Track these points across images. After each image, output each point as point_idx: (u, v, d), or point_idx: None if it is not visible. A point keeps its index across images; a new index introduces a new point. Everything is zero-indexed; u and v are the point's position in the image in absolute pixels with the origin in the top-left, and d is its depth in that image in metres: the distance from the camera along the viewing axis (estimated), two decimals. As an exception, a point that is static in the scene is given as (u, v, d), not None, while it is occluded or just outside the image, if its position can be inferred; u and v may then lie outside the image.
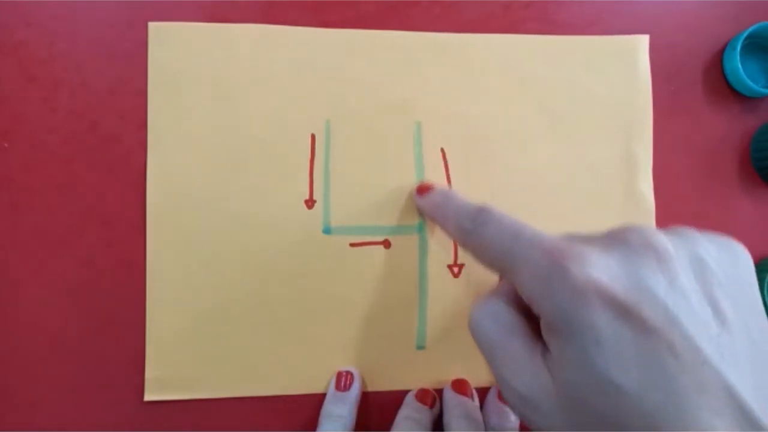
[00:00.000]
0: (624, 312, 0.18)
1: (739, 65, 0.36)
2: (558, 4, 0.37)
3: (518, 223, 0.24)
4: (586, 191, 0.37)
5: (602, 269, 0.19)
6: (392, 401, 0.34)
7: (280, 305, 0.34)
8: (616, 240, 0.20)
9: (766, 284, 0.36)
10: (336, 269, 0.35)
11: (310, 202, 0.35)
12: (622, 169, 0.37)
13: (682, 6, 0.38)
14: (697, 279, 0.20)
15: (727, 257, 0.21)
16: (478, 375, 0.35)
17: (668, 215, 0.37)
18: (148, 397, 0.33)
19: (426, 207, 0.33)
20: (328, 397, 0.33)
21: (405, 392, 0.34)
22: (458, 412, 0.32)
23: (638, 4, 0.38)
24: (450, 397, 0.33)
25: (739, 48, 0.36)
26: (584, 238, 0.22)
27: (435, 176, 0.36)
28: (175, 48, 0.35)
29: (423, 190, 0.33)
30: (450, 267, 0.35)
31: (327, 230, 0.35)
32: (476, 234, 0.25)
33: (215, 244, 0.34)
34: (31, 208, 0.34)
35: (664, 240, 0.20)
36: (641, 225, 0.21)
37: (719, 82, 0.38)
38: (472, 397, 0.34)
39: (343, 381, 0.33)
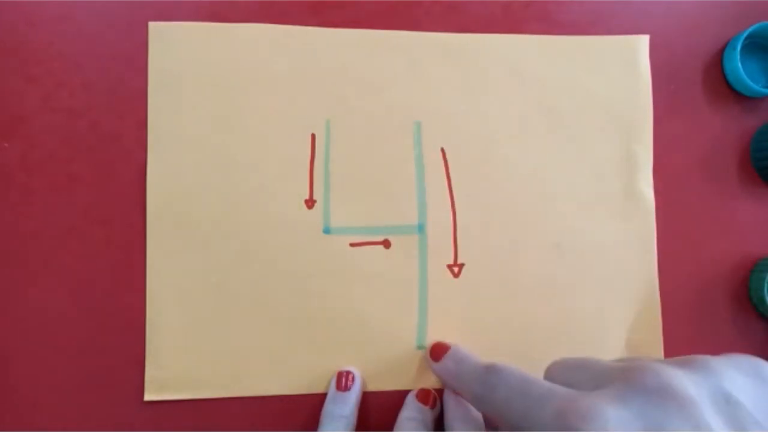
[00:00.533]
0: None
1: (739, 65, 0.36)
2: (558, 3, 0.37)
3: (526, 381, 0.23)
4: (586, 191, 0.37)
5: (617, 426, 0.18)
6: (392, 401, 0.34)
7: (280, 305, 0.34)
8: (631, 385, 0.19)
9: (766, 284, 0.36)
10: (336, 269, 0.35)
11: (310, 202, 0.35)
12: (622, 169, 0.37)
13: (682, 6, 0.38)
14: (725, 419, 0.18)
15: (753, 382, 0.20)
16: (478, 375, 0.35)
17: (668, 215, 0.37)
18: (148, 397, 0.33)
19: (441, 375, 0.32)
20: (329, 397, 0.33)
21: (405, 392, 0.34)
22: (459, 413, 0.32)
23: (638, 4, 0.38)
24: (451, 398, 0.33)
25: (739, 48, 0.36)
26: (595, 377, 0.21)
27: (435, 176, 0.36)
28: (175, 48, 0.35)
29: (437, 355, 0.33)
30: (450, 267, 0.35)
31: (327, 230, 0.35)
32: (488, 400, 0.25)
33: (215, 244, 0.34)
34: (31, 208, 0.34)
35: (684, 383, 0.19)
36: (657, 364, 0.20)
37: (719, 82, 0.38)
38: (472, 398, 0.33)
39: (344, 381, 0.33)
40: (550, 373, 0.25)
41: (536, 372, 0.27)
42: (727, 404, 0.18)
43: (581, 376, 0.22)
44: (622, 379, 0.20)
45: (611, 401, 0.19)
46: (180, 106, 0.34)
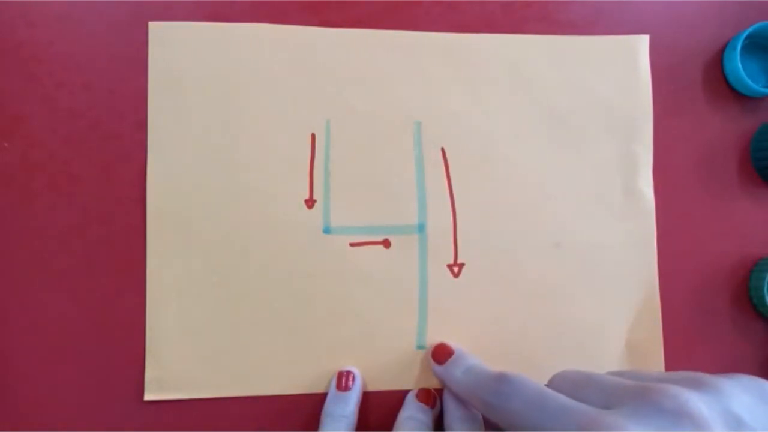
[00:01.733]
0: None
1: (739, 65, 0.36)
2: (558, 3, 0.37)
3: (542, 394, 0.24)
4: (586, 191, 0.37)
5: None
6: (392, 401, 0.34)
7: (280, 305, 0.34)
8: (650, 405, 0.20)
9: (766, 284, 0.36)
10: (336, 269, 0.35)
11: (310, 202, 0.35)
12: (622, 169, 0.37)
13: (682, 6, 0.38)
14: None
15: (758, 402, 0.21)
16: (478, 375, 0.35)
17: (668, 215, 0.37)
18: (148, 397, 0.33)
19: (446, 381, 0.32)
20: (329, 397, 0.33)
21: (405, 392, 0.34)
22: (459, 414, 0.32)
23: (638, 4, 0.38)
24: (450, 398, 0.33)
25: (739, 48, 0.36)
26: (606, 394, 0.22)
27: (435, 176, 0.36)
28: (175, 48, 0.35)
29: (440, 357, 0.33)
30: (450, 267, 0.35)
31: (327, 230, 0.35)
32: (501, 409, 0.25)
33: (215, 244, 0.34)
34: (31, 208, 0.34)
35: (698, 405, 0.20)
36: (673, 386, 0.21)
37: (719, 82, 0.38)
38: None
39: (344, 381, 0.33)
40: (554, 386, 0.26)
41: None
42: (735, 422, 0.20)
43: (590, 391, 0.23)
44: (639, 399, 0.21)
45: (632, 420, 0.20)
46: (180, 106, 0.34)
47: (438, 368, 0.33)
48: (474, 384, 0.29)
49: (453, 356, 0.32)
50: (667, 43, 0.38)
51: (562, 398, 0.23)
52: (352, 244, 0.35)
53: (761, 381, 0.22)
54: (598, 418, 0.20)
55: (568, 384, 0.25)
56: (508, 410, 0.24)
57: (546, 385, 0.26)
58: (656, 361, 0.36)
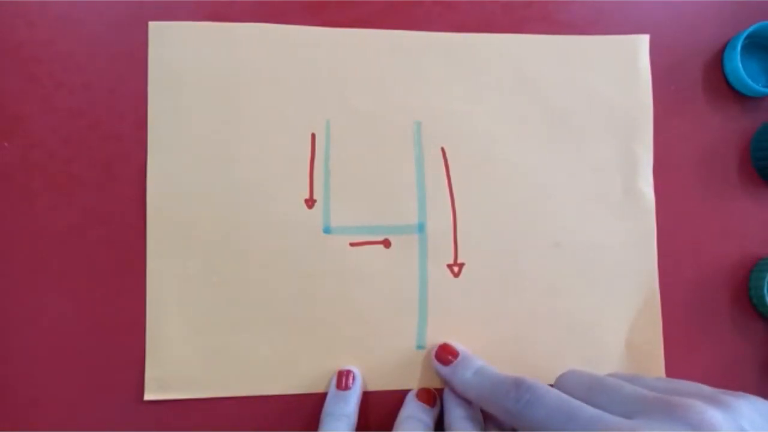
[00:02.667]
0: None
1: (739, 65, 0.36)
2: (558, 3, 0.37)
3: (567, 402, 0.24)
4: (586, 191, 0.37)
5: None
6: (392, 401, 0.34)
7: (280, 305, 0.34)
8: (677, 419, 0.22)
9: (766, 284, 0.36)
10: (336, 269, 0.35)
11: (310, 202, 0.35)
12: (622, 169, 0.37)
13: (682, 6, 0.38)
14: None
15: (765, 422, 0.23)
16: (478, 375, 0.35)
17: (668, 215, 0.37)
18: (148, 396, 0.33)
19: (456, 383, 0.32)
20: (329, 396, 0.33)
21: (405, 392, 0.34)
22: (459, 413, 0.32)
23: (638, 4, 0.38)
24: (451, 398, 0.33)
25: (739, 48, 0.36)
26: (627, 404, 0.23)
27: (435, 176, 0.36)
28: (175, 47, 0.35)
29: (445, 358, 0.33)
30: (450, 266, 0.35)
31: (327, 230, 0.35)
32: (523, 417, 0.25)
33: (215, 244, 0.34)
34: (31, 208, 0.34)
35: (719, 420, 0.22)
36: (696, 402, 0.23)
37: (719, 82, 0.38)
38: (472, 397, 0.33)
39: (345, 380, 0.33)
40: (564, 387, 0.26)
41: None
42: None
43: (606, 398, 0.24)
44: (666, 412, 0.22)
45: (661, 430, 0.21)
46: (180, 106, 0.34)
47: (444, 369, 0.33)
48: (489, 388, 0.29)
49: (459, 357, 0.32)
50: (667, 43, 0.38)
51: (588, 408, 0.23)
52: (352, 244, 0.35)
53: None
54: (633, 430, 0.21)
55: (581, 388, 0.25)
56: (531, 418, 0.25)
57: (555, 386, 0.26)
58: (656, 361, 0.36)
